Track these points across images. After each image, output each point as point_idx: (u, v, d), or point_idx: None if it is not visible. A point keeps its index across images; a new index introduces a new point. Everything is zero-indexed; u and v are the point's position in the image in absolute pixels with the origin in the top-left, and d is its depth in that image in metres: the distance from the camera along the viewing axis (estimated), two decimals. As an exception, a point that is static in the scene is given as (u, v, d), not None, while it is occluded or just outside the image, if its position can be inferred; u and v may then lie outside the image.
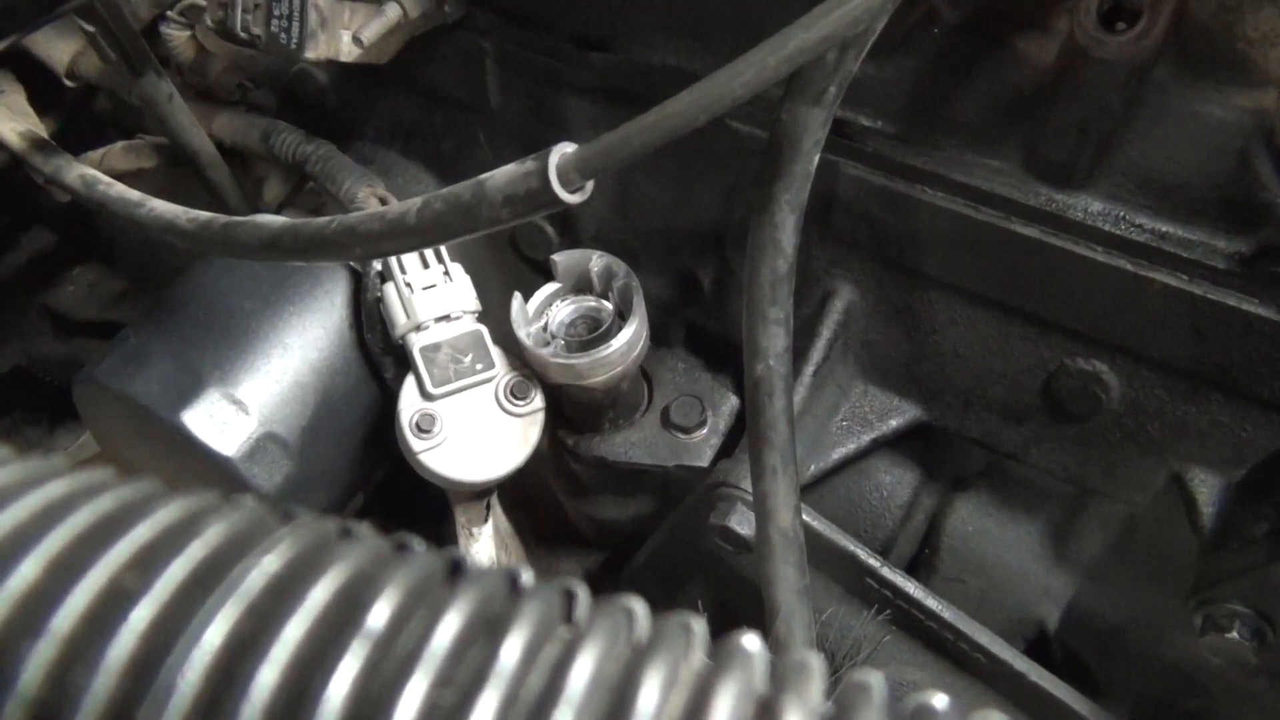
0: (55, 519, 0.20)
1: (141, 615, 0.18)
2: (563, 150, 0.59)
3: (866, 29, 0.64)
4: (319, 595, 0.19)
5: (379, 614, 0.19)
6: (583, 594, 0.21)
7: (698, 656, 0.21)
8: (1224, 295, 0.70)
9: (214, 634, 0.18)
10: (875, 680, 0.20)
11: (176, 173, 1.02)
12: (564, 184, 0.59)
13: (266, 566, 0.19)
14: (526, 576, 0.21)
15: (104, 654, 0.18)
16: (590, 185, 0.60)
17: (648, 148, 0.58)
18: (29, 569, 0.19)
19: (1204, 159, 0.70)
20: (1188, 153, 0.70)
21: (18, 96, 1.04)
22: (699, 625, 0.21)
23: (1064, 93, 0.71)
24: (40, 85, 1.07)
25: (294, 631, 0.18)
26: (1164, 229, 0.73)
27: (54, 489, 0.21)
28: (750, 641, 0.20)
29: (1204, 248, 0.72)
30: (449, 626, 0.18)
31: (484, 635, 0.19)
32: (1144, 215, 0.73)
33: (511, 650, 0.18)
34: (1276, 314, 0.69)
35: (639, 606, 0.21)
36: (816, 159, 0.69)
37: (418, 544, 0.22)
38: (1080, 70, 0.68)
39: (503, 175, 0.61)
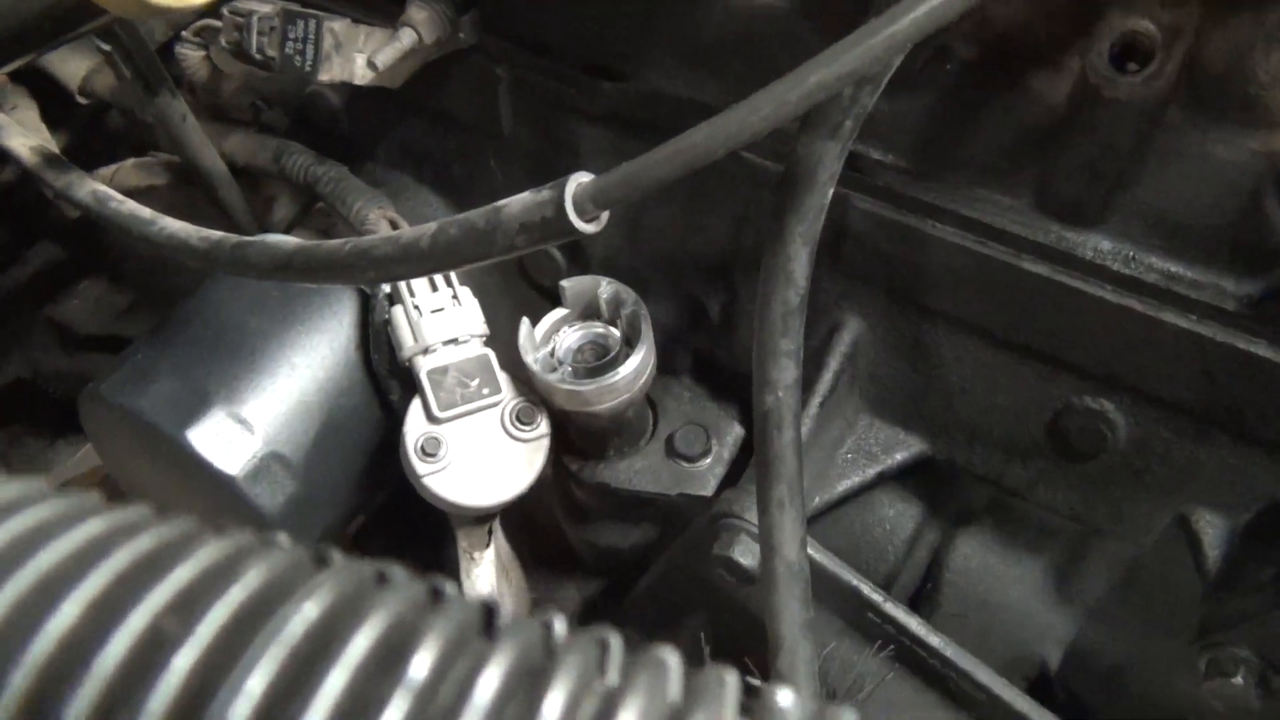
0: (95, 559, 0.20)
1: (183, 662, 0.18)
2: (579, 180, 0.60)
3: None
4: (360, 644, 0.19)
5: (420, 665, 0.19)
6: (615, 645, 0.21)
7: (731, 712, 0.21)
8: (1233, 337, 0.70)
9: (256, 683, 0.18)
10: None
11: (187, 190, 1.02)
12: (580, 214, 0.59)
13: (307, 613, 0.19)
14: (560, 625, 0.21)
15: (147, 701, 0.17)
16: (605, 216, 0.61)
17: (664, 180, 0.58)
18: (70, 610, 0.19)
19: (1215, 201, 0.70)
20: (1198, 194, 0.71)
21: (30, 112, 1.05)
22: (731, 678, 0.21)
23: (1075, 132, 0.71)
24: (53, 101, 1.07)
25: (336, 682, 0.18)
26: (1174, 269, 0.73)
27: (92, 527, 0.21)
28: (785, 697, 0.20)
29: (1214, 289, 0.72)
30: (490, 680, 0.18)
31: (524, 689, 0.19)
32: (1154, 255, 0.74)
33: (553, 707, 0.18)
34: (1286, 357, 0.69)
35: (673, 659, 0.21)
36: (831, 192, 0.70)
37: (451, 589, 0.22)
38: (1092, 109, 0.69)
39: (519, 203, 0.61)
